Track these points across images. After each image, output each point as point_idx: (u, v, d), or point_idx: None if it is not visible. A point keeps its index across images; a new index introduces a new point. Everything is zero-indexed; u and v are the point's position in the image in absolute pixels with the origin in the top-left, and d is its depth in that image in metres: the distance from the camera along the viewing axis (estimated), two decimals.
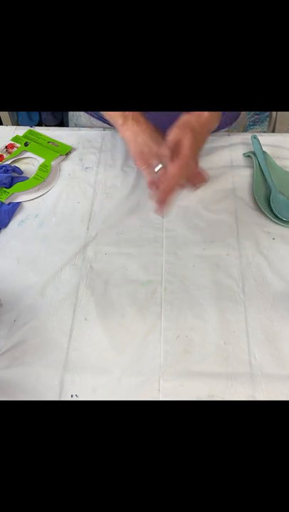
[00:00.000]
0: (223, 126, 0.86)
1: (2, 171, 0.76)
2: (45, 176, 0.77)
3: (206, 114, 0.62)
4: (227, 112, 0.83)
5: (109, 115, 0.66)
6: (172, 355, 0.56)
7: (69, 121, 0.96)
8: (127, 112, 0.64)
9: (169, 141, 0.60)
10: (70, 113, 0.95)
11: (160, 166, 0.59)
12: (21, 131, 0.85)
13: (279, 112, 1.07)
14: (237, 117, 0.89)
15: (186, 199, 0.74)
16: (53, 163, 0.79)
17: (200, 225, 0.70)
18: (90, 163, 0.79)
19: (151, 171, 0.61)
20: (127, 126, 0.64)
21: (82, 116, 0.90)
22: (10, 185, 0.75)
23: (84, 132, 0.85)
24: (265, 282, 0.63)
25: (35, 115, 1.66)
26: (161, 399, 0.52)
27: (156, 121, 0.79)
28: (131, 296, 0.61)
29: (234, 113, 0.87)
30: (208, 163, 0.79)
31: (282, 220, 0.70)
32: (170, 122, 0.78)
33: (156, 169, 0.60)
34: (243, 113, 0.91)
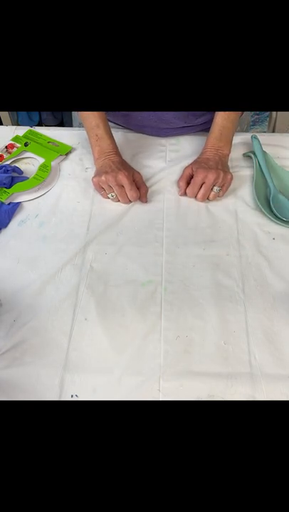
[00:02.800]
0: None
1: (2, 171, 0.76)
2: (45, 175, 0.77)
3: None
4: None
5: (91, 145, 0.77)
6: (172, 355, 0.56)
7: (73, 121, 0.96)
8: (105, 148, 0.75)
9: (184, 175, 0.75)
10: (75, 112, 0.95)
11: (112, 194, 0.72)
12: (21, 131, 0.85)
13: (279, 112, 1.07)
14: (240, 115, 0.89)
15: (186, 199, 0.74)
16: (53, 163, 0.79)
17: (200, 225, 0.70)
18: (90, 163, 0.79)
19: (104, 195, 0.74)
20: (99, 161, 0.75)
21: None
22: (10, 185, 0.75)
23: (84, 132, 0.85)
24: (265, 282, 0.63)
25: (35, 115, 1.66)
26: (161, 399, 0.52)
27: (153, 124, 0.80)
28: (131, 296, 0.61)
29: None
30: None
31: (282, 220, 0.70)
32: (166, 125, 0.80)
33: (109, 196, 0.73)
34: (245, 112, 0.91)
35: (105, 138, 0.75)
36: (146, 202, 0.73)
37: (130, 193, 0.71)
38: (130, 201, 0.73)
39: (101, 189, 0.73)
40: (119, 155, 0.76)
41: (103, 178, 0.71)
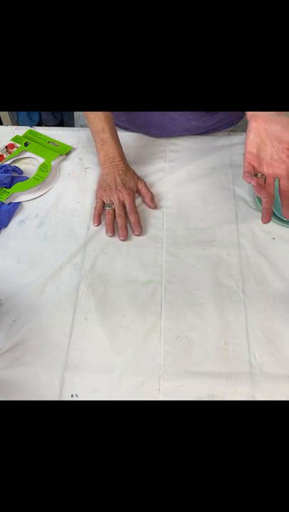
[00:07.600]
0: (227, 126, 0.86)
1: (2, 171, 0.76)
2: (45, 175, 0.77)
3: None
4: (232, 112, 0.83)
5: (96, 149, 0.75)
6: (172, 355, 0.56)
7: (75, 122, 0.96)
8: (110, 153, 0.74)
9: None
10: (76, 114, 0.95)
11: (110, 207, 0.71)
12: (21, 131, 0.85)
13: None
14: (243, 116, 0.89)
15: (187, 199, 0.74)
16: (53, 163, 0.79)
17: (200, 225, 0.70)
18: (90, 163, 0.79)
19: (100, 205, 0.72)
20: (105, 167, 0.74)
21: None
22: (10, 185, 0.75)
23: (84, 132, 0.85)
24: (265, 282, 0.63)
25: (35, 115, 1.66)
26: (161, 399, 0.52)
27: (157, 121, 0.80)
28: (131, 296, 0.61)
29: (239, 112, 0.87)
30: (208, 162, 0.79)
31: (282, 220, 0.70)
32: (169, 122, 0.79)
33: (106, 208, 0.71)
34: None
35: (111, 142, 0.74)
36: (155, 207, 0.73)
37: (133, 228, 0.70)
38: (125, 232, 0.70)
39: (100, 199, 0.73)
40: (124, 161, 0.75)
41: (108, 197, 0.71)
